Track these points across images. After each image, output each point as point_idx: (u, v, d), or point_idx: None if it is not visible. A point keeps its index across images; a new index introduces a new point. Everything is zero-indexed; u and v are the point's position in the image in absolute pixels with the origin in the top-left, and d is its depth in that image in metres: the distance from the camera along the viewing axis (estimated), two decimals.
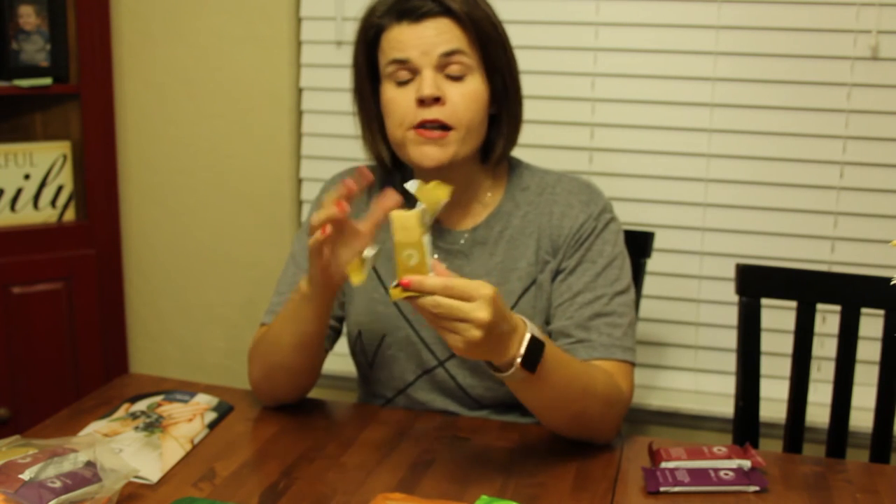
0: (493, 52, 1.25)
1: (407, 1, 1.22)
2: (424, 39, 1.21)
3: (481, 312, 0.98)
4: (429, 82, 1.21)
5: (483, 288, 0.99)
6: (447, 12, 1.22)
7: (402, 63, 1.23)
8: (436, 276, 1.00)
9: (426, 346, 1.36)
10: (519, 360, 1.06)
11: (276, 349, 1.28)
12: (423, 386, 1.38)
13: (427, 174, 1.33)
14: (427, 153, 1.24)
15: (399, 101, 1.24)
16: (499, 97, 1.28)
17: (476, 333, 0.99)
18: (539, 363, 1.08)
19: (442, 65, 1.23)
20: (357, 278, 1.08)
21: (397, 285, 1.00)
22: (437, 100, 1.22)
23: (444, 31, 1.22)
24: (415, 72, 1.23)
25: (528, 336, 1.06)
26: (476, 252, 1.35)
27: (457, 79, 1.23)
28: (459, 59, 1.23)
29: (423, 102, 1.22)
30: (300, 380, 1.32)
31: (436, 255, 1.13)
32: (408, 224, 0.99)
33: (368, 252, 1.09)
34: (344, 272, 1.13)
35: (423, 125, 1.23)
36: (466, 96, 1.23)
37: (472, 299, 0.99)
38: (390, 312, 1.37)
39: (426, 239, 1.01)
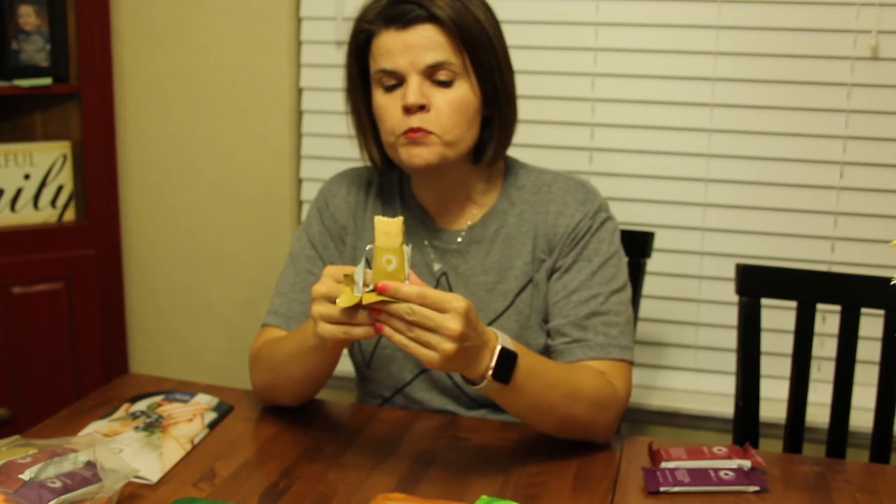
0: (482, 56, 1.25)
1: (394, 7, 1.22)
2: (411, 48, 1.22)
3: (453, 323, 0.99)
4: (414, 90, 1.22)
5: (457, 301, 1.00)
6: (433, 19, 1.21)
7: (391, 73, 1.24)
8: (411, 285, 1.00)
9: None
10: (490, 372, 1.07)
11: (284, 376, 1.27)
12: (420, 385, 1.38)
13: (420, 175, 1.34)
14: (415, 153, 1.24)
15: (388, 109, 1.25)
16: (490, 100, 1.28)
17: (448, 346, 0.99)
18: (512, 374, 1.09)
19: (429, 72, 1.23)
20: (352, 299, 1.01)
21: (373, 289, 0.99)
22: (422, 107, 1.22)
23: (430, 38, 1.22)
24: (402, 78, 1.24)
25: (498, 348, 1.07)
26: (472, 251, 1.35)
27: (444, 84, 1.23)
28: (446, 66, 1.23)
29: (408, 110, 1.23)
30: (307, 393, 1.33)
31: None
32: (390, 230, 0.99)
33: (355, 270, 1.02)
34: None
35: (409, 131, 1.24)
36: (452, 103, 1.23)
37: (445, 311, 0.99)
38: None
39: (406, 249, 1.01)
